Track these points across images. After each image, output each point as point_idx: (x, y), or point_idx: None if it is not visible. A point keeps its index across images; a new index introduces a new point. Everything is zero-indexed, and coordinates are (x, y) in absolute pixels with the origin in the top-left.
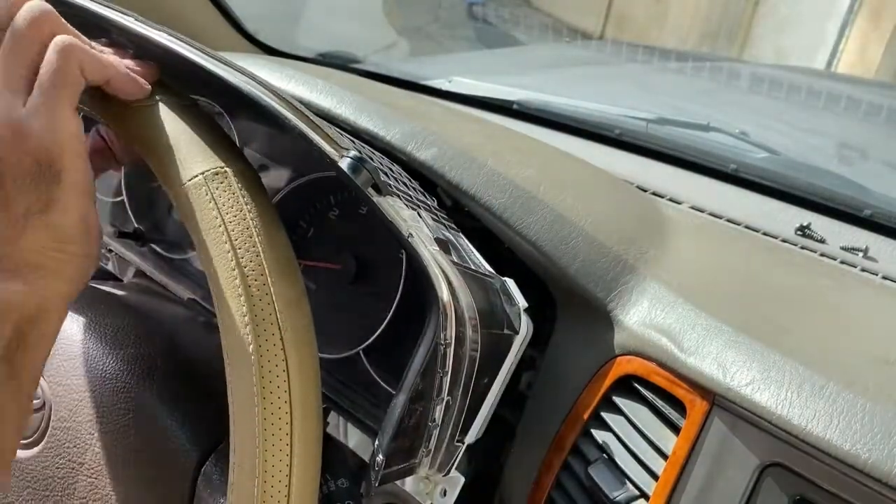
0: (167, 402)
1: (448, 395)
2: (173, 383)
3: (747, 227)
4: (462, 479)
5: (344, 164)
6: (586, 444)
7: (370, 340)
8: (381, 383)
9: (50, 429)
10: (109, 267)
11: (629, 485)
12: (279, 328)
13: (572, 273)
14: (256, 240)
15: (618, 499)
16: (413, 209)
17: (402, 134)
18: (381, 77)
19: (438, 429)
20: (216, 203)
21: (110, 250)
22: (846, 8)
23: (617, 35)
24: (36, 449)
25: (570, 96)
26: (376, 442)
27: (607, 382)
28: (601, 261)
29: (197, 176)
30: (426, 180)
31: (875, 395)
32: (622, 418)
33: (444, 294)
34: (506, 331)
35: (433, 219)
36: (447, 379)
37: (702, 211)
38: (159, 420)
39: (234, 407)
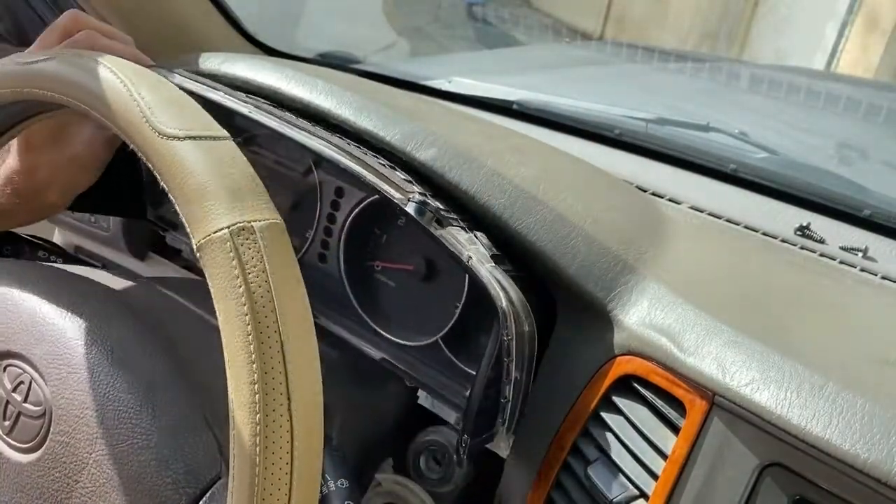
0: (167, 432)
1: (515, 377)
2: (175, 409)
3: (747, 227)
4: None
5: (411, 209)
6: (586, 443)
7: (446, 329)
8: (461, 365)
9: (49, 439)
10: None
11: (629, 484)
12: (288, 398)
13: (572, 273)
14: (275, 304)
15: (617, 499)
16: (469, 232)
17: (402, 134)
18: (381, 77)
19: (510, 403)
20: (240, 260)
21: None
22: (846, 8)
23: (616, 35)
24: (33, 455)
25: (570, 96)
26: (463, 418)
27: (607, 382)
28: (601, 261)
29: (223, 230)
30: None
31: (874, 395)
32: (622, 418)
33: (503, 303)
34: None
35: (485, 236)
36: (513, 365)
37: (701, 211)
38: (157, 450)
39: (234, 471)
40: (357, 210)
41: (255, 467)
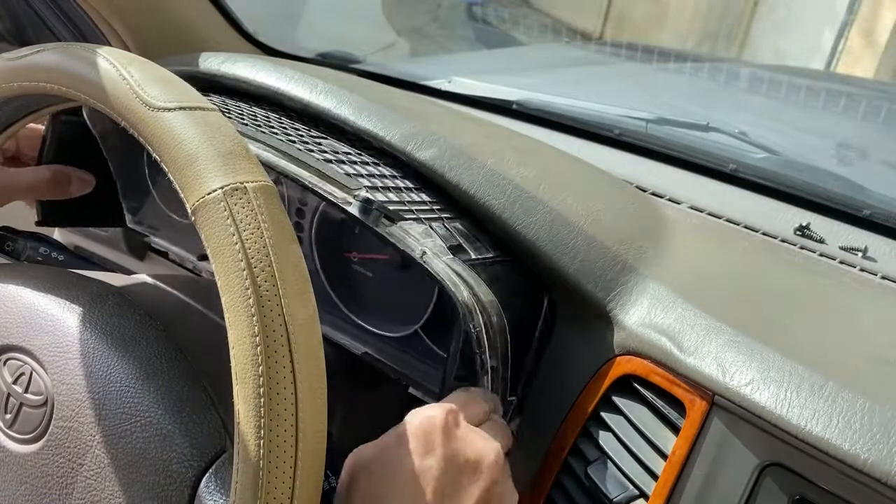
0: (170, 409)
1: (490, 366)
2: (177, 389)
3: (746, 226)
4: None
5: (354, 209)
6: (586, 443)
7: (424, 318)
8: (443, 354)
9: (51, 427)
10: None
11: (629, 484)
12: (290, 350)
13: (572, 273)
14: (272, 259)
15: (617, 499)
16: (423, 223)
17: (401, 134)
18: (381, 77)
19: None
20: (234, 219)
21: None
22: (845, 8)
23: (616, 35)
24: (36, 445)
25: (570, 96)
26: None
27: (607, 382)
28: (600, 261)
29: (216, 191)
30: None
31: (874, 394)
32: (622, 418)
33: (464, 296)
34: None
35: (443, 226)
36: (486, 355)
37: (701, 211)
38: (161, 427)
39: (239, 427)
40: (323, 204)
41: (261, 419)
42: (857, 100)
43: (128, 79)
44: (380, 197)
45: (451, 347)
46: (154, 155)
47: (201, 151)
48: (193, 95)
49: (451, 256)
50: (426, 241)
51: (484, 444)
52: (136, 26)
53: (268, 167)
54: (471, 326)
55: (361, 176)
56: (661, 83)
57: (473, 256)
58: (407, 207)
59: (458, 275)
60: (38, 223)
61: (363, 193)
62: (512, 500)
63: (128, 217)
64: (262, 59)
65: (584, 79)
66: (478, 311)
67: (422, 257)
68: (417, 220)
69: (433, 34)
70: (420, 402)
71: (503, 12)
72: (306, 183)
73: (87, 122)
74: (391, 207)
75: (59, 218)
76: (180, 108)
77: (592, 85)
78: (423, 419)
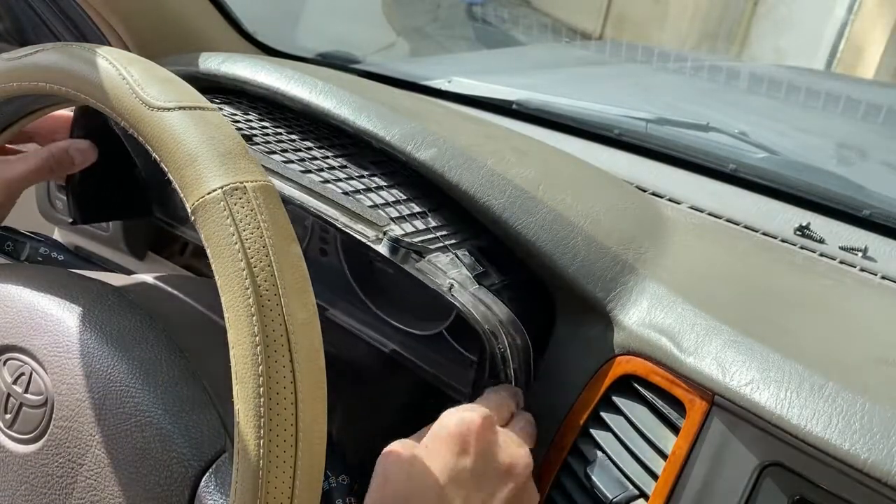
0: (170, 409)
1: (514, 377)
2: (177, 389)
3: (746, 226)
4: None
5: (384, 249)
6: (586, 443)
7: (451, 319)
8: (468, 355)
9: (51, 427)
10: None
11: (629, 484)
12: (290, 350)
13: (571, 273)
14: (272, 259)
15: (617, 499)
16: (449, 251)
17: (401, 134)
18: (381, 77)
19: None
20: (234, 219)
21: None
22: (845, 8)
23: (616, 35)
24: (36, 445)
25: (570, 96)
26: None
27: (607, 382)
28: (600, 261)
29: (215, 190)
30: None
31: (874, 394)
32: (621, 418)
33: (491, 323)
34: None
35: (467, 252)
36: (510, 371)
37: (701, 211)
38: (161, 427)
39: (239, 427)
40: None
41: (260, 419)
42: (857, 100)
43: (127, 78)
44: (406, 227)
45: (478, 357)
46: (154, 155)
47: (201, 151)
48: (193, 95)
49: (477, 286)
50: (452, 273)
51: (516, 450)
52: (135, 26)
53: (291, 204)
54: (497, 348)
55: (387, 204)
56: (660, 83)
57: (496, 281)
58: (433, 235)
59: (484, 303)
60: (73, 223)
61: (392, 232)
62: (533, 501)
63: (154, 208)
64: (261, 59)
65: (584, 79)
66: (502, 334)
67: (450, 291)
68: (444, 248)
69: (433, 34)
70: (419, 403)
71: (503, 12)
72: (335, 223)
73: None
74: (418, 240)
75: (92, 214)
76: (180, 108)
77: (592, 85)
78: (459, 421)
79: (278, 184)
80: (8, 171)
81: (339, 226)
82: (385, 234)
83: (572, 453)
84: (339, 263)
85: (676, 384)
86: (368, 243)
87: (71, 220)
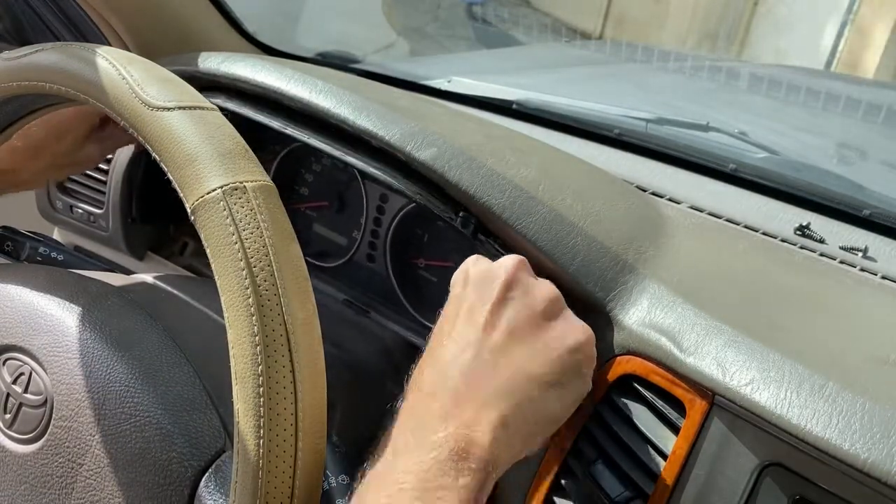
0: (170, 409)
1: None
2: (177, 389)
3: (746, 226)
4: None
5: (458, 223)
6: (586, 443)
7: None
8: None
9: (50, 427)
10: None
11: (629, 484)
12: (290, 350)
13: (571, 273)
14: (272, 259)
15: (617, 498)
16: (503, 251)
17: (401, 134)
18: (381, 77)
19: None
20: (233, 219)
21: None
22: (845, 8)
23: (616, 35)
24: (35, 445)
25: (570, 96)
26: None
27: (607, 382)
28: (600, 260)
29: (215, 190)
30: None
31: (874, 394)
32: (622, 418)
33: None
34: None
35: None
36: None
37: (701, 211)
38: (161, 426)
39: (239, 426)
40: (401, 214)
41: (260, 419)
42: (857, 100)
43: (127, 78)
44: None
45: None
46: (154, 154)
47: (200, 151)
48: (193, 95)
49: None
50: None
51: (547, 286)
52: (135, 26)
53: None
54: None
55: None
56: (660, 83)
57: None
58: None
59: None
60: (132, 221)
61: (462, 212)
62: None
63: None
64: (261, 58)
65: (584, 79)
66: None
67: None
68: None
69: (433, 34)
70: None
71: (503, 12)
72: (413, 197)
73: None
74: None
75: (151, 214)
76: (179, 108)
77: (592, 85)
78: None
79: (371, 170)
80: (56, 116)
81: (416, 200)
82: (458, 213)
83: (573, 453)
84: (384, 269)
85: (676, 384)
86: (442, 216)
87: (131, 219)
